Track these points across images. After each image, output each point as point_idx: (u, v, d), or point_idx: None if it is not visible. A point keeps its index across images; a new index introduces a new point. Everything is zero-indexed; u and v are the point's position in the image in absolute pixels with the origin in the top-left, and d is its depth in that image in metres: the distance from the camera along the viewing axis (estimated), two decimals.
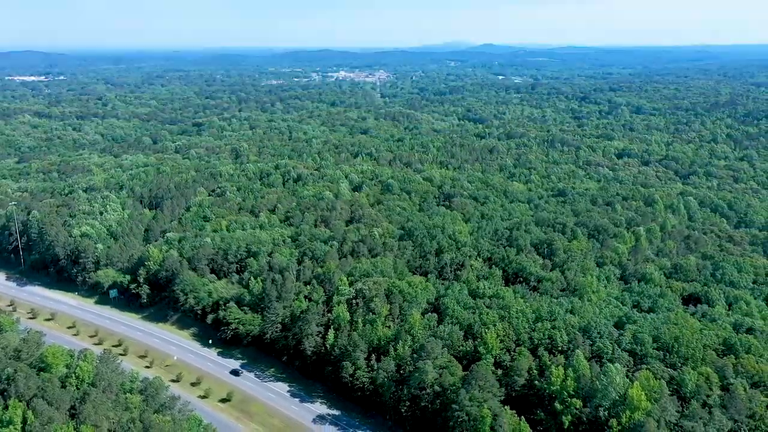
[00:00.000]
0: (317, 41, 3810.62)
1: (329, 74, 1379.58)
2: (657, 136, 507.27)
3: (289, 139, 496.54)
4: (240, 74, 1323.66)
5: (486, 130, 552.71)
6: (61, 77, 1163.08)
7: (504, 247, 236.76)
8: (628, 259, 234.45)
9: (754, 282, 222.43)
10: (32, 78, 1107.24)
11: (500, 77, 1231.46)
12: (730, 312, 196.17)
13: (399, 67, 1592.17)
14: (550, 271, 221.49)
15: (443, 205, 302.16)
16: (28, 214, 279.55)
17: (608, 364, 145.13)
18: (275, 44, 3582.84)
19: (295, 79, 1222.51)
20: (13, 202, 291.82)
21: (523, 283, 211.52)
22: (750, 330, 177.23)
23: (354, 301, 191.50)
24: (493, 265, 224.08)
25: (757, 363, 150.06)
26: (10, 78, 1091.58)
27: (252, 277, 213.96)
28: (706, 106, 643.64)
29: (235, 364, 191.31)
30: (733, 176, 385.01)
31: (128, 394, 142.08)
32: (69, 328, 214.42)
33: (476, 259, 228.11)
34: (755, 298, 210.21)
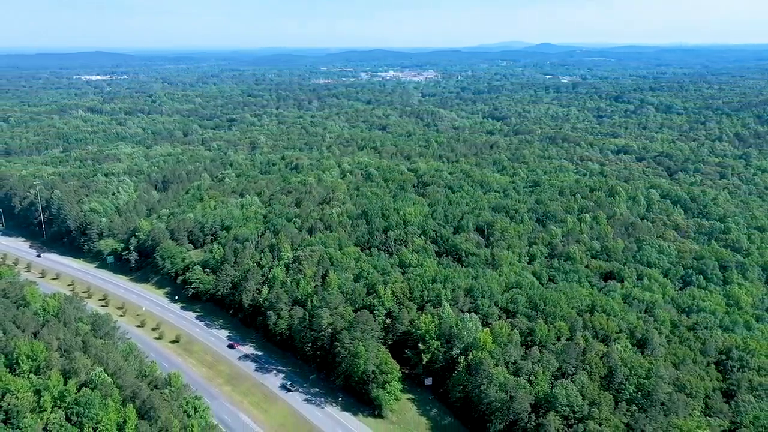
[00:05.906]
0: (374, 42, 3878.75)
1: (378, 74, 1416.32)
2: (666, 134, 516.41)
3: (306, 134, 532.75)
4: (291, 73, 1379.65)
5: (500, 127, 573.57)
6: (124, 76, 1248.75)
7: (446, 228, 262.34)
8: (560, 241, 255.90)
9: (677, 263, 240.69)
10: (97, 77, 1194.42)
11: (548, 77, 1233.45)
12: (636, 287, 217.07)
13: (449, 67, 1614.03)
14: (485, 248, 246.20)
15: (419, 193, 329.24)
16: (52, 193, 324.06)
17: (466, 314, 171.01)
18: (332, 45, 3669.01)
19: (344, 79, 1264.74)
20: (38, 183, 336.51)
21: (450, 257, 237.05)
22: (632, 299, 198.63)
23: (292, 265, 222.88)
24: (432, 243, 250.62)
25: (606, 320, 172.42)
26: (78, 77, 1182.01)
27: (217, 245, 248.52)
28: (737, 106, 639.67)
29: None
30: (720, 173, 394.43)
31: (80, 323, 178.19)
32: (68, 285, 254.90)
33: (419, 237, 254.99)
34: (670, 279, 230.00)
